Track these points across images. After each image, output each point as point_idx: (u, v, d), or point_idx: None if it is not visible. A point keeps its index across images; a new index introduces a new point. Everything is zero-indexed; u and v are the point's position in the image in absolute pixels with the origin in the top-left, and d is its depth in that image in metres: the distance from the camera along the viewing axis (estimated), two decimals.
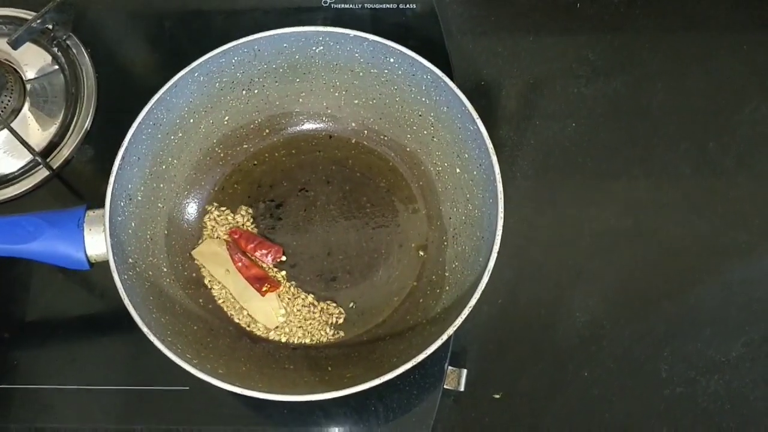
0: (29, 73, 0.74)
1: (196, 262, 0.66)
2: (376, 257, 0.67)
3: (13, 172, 0.71)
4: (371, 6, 0.77)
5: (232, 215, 0.68)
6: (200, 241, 0.67)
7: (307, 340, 0.64)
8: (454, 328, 0.55)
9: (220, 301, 0.65)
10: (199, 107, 0.66)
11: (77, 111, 0.73)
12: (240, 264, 0.65)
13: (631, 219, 0.69)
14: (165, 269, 0.64)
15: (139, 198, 0.63)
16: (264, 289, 0.64)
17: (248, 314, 0.64)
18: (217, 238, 0.67)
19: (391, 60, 0.64)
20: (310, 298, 0.65)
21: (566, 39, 0.76)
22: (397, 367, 0.54)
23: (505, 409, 0.63)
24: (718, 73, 0.74)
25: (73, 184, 0.71)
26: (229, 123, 0.69)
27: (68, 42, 0.75)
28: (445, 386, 0.63)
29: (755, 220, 0.69)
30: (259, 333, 0.64)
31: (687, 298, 0.67)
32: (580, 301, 0.66)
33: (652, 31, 0.76)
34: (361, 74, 0.66)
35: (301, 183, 0.69)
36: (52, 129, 0.72)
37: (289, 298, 0.65)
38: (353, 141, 0.71)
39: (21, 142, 0.69)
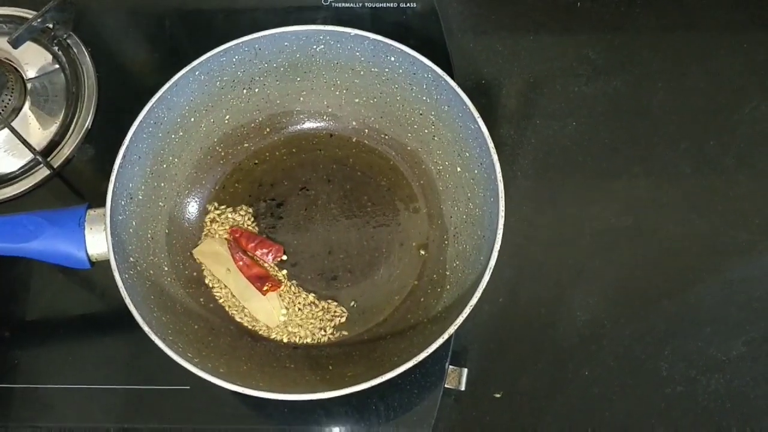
0: (30, 72, 0.74)
1: (197, 261, 0.66)
2: (377, 256, 0.67)
3: (14, 171, 0.71)
4: (372, 5, 0.77)
5: (233, 214, 0.68)
6: (201, 240, 0.67)
7: (308, 339, 0.64)
8: (455, 327, 0.55)
9: (221, 300, 0.65)
10: (200, 106, 0.66)
11: (78, 110, 0.73)
12: (241, 263, 0.65)
13: (631, 218, 0.69)
14: (166, 268, 0.64)
15: (140, 197, 0.63)
16: (265, 288, 0.64)
17: (249, 313, 0.64)
18: (218, 237, 0.67)
19: (392, 59, 0.64)
20: (311, 297, 0.65)
21: (567, 38, 0.76)
22: (398, 366, 0.54)
23: (506, 408, 0.64)
24: (718, 72, 0.75)
25: (73, 183, 0.71)
26: (230, 122, 0.69)
27: (69, 41, 0.75)
28: (446, 385, 0.63)
29: (755, 219, 0.69)
30: (260, 332, 0.64)
31: (687, 297, 0.67)
32: (581, 300, 0.66)
33: (652, 30, 0.77)
34: (361, 73, 0.66)
35: (302, 182, 0.69)
36: (53, 128, 0.72)
37: (290, 297, 0.65)
38: (354, 140, 0.71)
39: (22, 141, 0.69)
